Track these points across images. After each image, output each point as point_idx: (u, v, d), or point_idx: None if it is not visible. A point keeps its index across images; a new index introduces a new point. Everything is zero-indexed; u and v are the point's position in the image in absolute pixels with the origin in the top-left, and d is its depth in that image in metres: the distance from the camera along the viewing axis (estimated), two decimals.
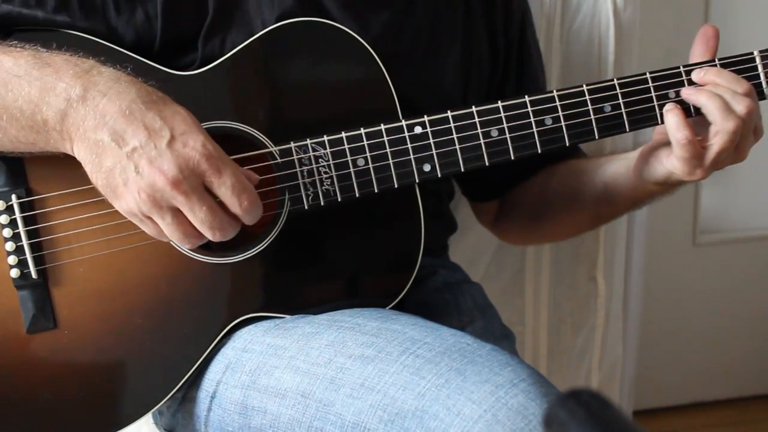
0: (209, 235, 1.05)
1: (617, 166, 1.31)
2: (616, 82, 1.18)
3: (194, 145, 1.03)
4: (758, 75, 1.19)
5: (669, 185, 1.24)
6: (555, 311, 1.77)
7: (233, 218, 1.06)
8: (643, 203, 1.34)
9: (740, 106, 1.14)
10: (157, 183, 1.02)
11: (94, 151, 1.04)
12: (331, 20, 1.18)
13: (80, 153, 1.05)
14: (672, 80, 1.18)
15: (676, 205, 2.23)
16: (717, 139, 1.14)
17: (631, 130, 1.18)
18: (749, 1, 2.23)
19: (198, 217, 1.03)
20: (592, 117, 1.17)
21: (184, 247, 1.11)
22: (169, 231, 1.05)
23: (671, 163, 1.17)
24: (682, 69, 1.18)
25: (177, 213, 1.04)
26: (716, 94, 1.15)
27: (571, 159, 1.41)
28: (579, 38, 1.66)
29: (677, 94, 1.18)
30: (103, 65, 1.08)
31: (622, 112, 1.17)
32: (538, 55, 1.46)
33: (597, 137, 1.18)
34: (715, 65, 1.18)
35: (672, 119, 1.15)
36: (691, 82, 1.18)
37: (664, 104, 1.17)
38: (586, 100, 1.17)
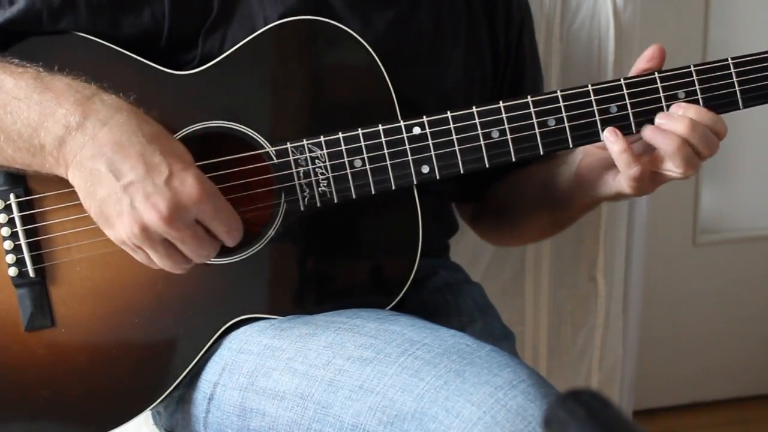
0: (197, 261, 1.09)
1: (563, 176, 1.29)
2: (622, 82, 1.14)
3: (192, 183, 1.05)
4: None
5: (619, 197, 1.23)
6: (555, 311, 1.77)
7: (219, 243, 1.10)
8: (594, 207, 1.34)
9: (709, 152, 1.13)
10: (152, 219, 1.04)
11: (89, 179, 1.05)
12: (336, 18, 1.18)
13: (75, 179, 1.07)
14: (681, 80, 1.14)
15: (676, 205, 2.23)
16: (669, 166, 1.13)
17: (637, 132, 1.15)
18: (749, 1, 2.23)
19: (189, 249, 1.07)
20: (597, 118, 1.14)
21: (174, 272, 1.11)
22: (159, 261, 1.08)
23: (619, 185, 1.17)
24: (692, 68, 1.15)
25: (168, 245, 1.07)
26: (688, 143, 1.12)
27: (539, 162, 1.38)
28: (579, 38, 1.66)
29: (687, 94, 1.14)
30: (106, 93, 1.09)
31: (628, 113, 1.14)
32: (534, 62, 1.45)
33: (601, 139, 1.15)
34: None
35: (622, 158, 1.12)
36: (701, 81, 1.14)
37: (672, 105, 1.14)
38: (591, 100, 1.14)
